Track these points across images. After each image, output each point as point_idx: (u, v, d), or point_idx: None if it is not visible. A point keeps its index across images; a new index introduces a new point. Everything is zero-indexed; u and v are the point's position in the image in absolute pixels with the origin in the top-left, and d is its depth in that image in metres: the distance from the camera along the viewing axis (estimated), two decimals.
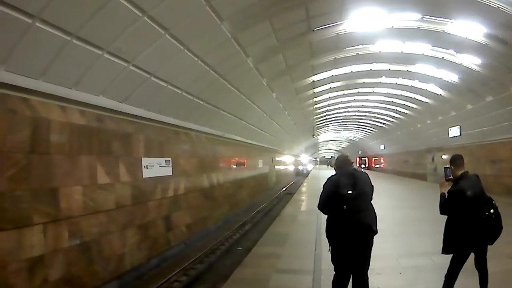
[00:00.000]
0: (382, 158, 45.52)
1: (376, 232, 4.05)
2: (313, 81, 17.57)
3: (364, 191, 4.07)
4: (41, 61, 5.86)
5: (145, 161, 9.30)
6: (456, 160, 4.30)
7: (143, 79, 8.28)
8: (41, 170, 5.96)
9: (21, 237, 5.41)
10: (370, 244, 4.06)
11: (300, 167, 56.23)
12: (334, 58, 14.34)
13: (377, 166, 47.56)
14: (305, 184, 29.99)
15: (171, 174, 10.61)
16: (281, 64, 13.44)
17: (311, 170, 58.54)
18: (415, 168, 30.68)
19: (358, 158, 54.51)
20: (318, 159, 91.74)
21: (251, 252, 7.81)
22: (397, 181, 27.53)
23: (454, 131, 20.67)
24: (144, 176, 9.19)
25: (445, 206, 4.18)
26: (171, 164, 10.61)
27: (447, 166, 4.38)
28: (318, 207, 4.18)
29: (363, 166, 50.92)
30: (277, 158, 33.39)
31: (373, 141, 44.04)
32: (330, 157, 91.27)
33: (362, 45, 13.32)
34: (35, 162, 5.83)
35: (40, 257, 5.73)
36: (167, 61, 8.48)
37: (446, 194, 4.20)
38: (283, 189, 30.08)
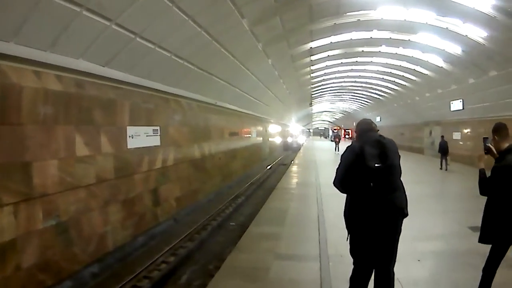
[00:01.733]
0: (351, 130, 51.96)
1: (406, 215, 3.29)
2: (311, 47, 16.68)
3: (394, 164, 3.22)
4: (11, 21, 4.99)
5: (130, 130, 8.60)
6: (501, 130, 3.52)
7: (128, 40, 7.39)
8: (10, 142, 5.22)
9: None
10: (398, 232, 3.28)
11: (290, 139, 53.13)
12: (334, 23, 13.47)
13: (347, 137, 57.04)
14: (300, 155, 29.38)
15: (159, 144, 9.94)
16: (278, 28, 12.41)
17: (303, 144, 55.81)
18: (412, 141, 30.48)
19: (330, 130, 59.92)
20: (311, 130, 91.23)
21: (246, 232, 7.06)
22: None
23: (457, 105, 19.75)
24: (129, 147, 8.51)
25: (486, 185, 3.36)
26: (159, 133, 9.92)
27: (486, 136, 3.64)
28: (334, 183, 3.33)
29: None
30: (269, 128, 32.65)
31: (368, 113, 43.51)
32: (323, 128, 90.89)
33: (364, 10, 12.51)
34: (3, 133, 5.09)
35: (11, 242, 5.11)
36: (154, 20, 7.54)
37: (486, 171, 3.43)
38: (275, 161, 29.52)
